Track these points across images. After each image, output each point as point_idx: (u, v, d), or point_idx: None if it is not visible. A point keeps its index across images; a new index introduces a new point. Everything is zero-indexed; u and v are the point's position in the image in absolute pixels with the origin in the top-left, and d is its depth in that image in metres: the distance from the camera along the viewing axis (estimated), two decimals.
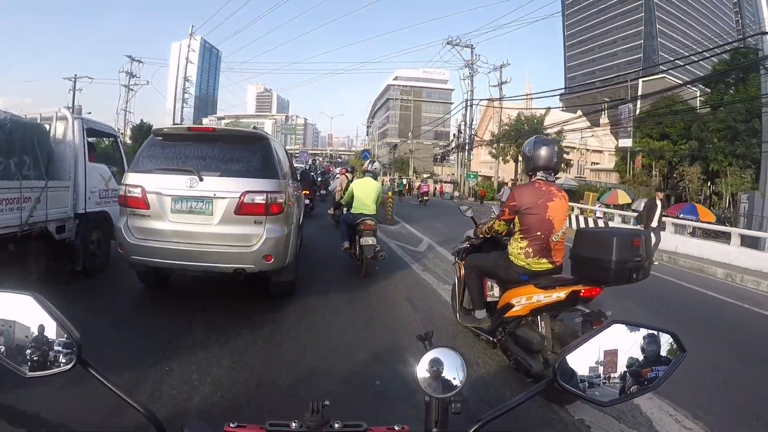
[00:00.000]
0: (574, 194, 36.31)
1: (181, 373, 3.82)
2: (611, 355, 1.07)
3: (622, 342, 1.08)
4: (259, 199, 5.10)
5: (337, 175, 19.02)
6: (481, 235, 4.75)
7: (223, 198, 5.08)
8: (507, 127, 46.21)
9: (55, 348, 1.06)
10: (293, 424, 1.12)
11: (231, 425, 1.12)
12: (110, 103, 52.88)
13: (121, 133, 39.32)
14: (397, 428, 1.19)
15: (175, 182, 5.11)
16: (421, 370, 1.19)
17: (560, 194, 4.04)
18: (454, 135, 47.81)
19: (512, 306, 3.94)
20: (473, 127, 44.96)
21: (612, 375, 1.07)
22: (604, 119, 50.48)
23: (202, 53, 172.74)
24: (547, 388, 1.16)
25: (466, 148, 47.76)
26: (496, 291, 4.59)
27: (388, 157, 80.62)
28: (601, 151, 57.80)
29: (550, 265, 3.96)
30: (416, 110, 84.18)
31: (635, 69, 69.35)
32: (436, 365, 1.20)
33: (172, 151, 5.39)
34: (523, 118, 46.02)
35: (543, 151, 4.02)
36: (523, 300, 3.85)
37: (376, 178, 8.86)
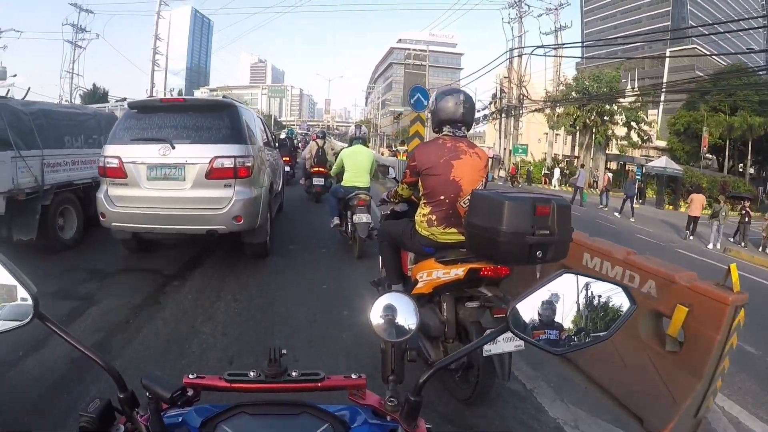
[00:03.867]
0: (674, 182, 32.19)
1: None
2: (563, 305, 1.12)
3: (574, 292, 1.13)
4: (228, 163, 5.69)
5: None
6: (390, 199, 4.46)
7: (195, 164, 5.66)
8: (564, 88, 39.59)
9: (11, 303, 1.07)
10: (251, 374, 1.20)
11: (190, 376, 1.19)
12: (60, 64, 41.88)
13: (65, 101, 34.22)
14: (354, 376, 1.27)
15: (149, 151, 5.70)
16: (375, 316, 1.28)
17: (471, 151, 3.60)
18: (493, 96, 37.24)
19: (417, 282, 3.60)
20: (523, 83, 34.54)
21: (563, 324, 1.12)
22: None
23: (192, 24, 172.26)
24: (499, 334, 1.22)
25: (513, 113, 36.52)
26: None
27: (391, 128, 79.92)
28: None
29: (460, 237, 3.44)
30: (422, 78, 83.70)
31: (662, 38, 67.04)
32: (389, 311, 1.28)
33: (146, 122, 5.98)
34: (587, 79, 39.34)
35: (447, 102, 3.60)
36: (425, 276, 3.50)
37: (366, 145, 8.35)
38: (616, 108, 38.30)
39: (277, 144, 10.42)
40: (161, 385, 1.06)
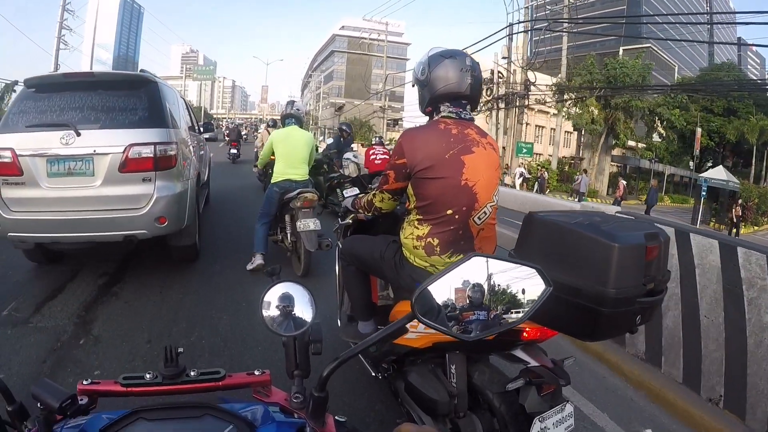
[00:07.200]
0: (724, 196, 28.73)
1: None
2: (474, 289, 1.10)
3: (485, 276, 1.10)
4: (147, 152, 4.91)
5: (260, 130, 21.96)
6: (360, 210, 3.18)
7: (105, 154, 4.85)
8: (586, 75, 33.95)
9: None
10: (147, 376, 1.17)
11: (84, 382, 1.17)
12: None
13: None
14: (257, 373, 1.27)
15: (49, 140, 4.84)
16: (268, 308, 1.25)
17: (484, 141, 2.60)
18: (488, 81, 27.85)
19: (404, 330, 2.35)
20: (522, 63, 27.42)
21: (475, 309, 1.10)
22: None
23: (122, 10, 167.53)
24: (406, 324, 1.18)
25: (517, 101, 28.72)
26: (392, 291, 3.36)
27: (332, 121, 79.11)
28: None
29: None
30: (365, 66, 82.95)
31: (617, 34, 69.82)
32: (283, 302, 1.25)
33: (46, 104, 5.09)
34: (611, 63, 34.20)
35: (447, 69, 2.53)
36: (421, 327, 2.16)
37: (302, 126, 6.55)
38: (640, 103, 34.04)
39: (227, 132, 10.73)
40: (51, 394, 1.02)
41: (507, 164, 29.41)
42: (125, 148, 4.86)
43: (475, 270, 1.09)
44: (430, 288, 1.08)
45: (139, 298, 4.99)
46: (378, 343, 2.62)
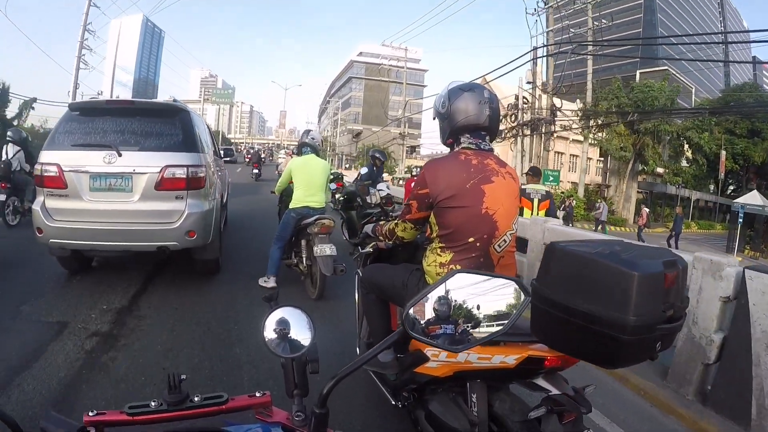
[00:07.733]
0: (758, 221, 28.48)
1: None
2: (458, 304, 1.19)
3: (467, 289, 1.19)
4: (180, 173, 5.49)
5: (282, 156, 22.93)
6: (381, 238, 3.27)
7: (143, 173, 5.43)
8: (612, 99, 33.92)
9: None
10: (152, 404, 1.21)
11: (90, 414, 1.18)
12: None
13: None
14: (258, 394, 1.33)
15: (92, 159, 5.43)
16: (268, 331, 1.34)
17: (503, 171, 2.73)
18: (512, 107, 27.85)
19: (425, 358, 2.45)
20: (549, 87, 26.70)
21: (460, 322, 1.19)
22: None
23: (143, 33, 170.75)
24: (398, 339, 1.26)
25: (543, 128, 27.81)
26: None
27: (350, 148, 79.71)
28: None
29: None
30: (383, 93, 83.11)
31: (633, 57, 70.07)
32: (282, 325, 1.35)
33: (89, 126, 5.70)
34: (638, 87, 34.26)
35: (466, 101, 2.70)
36: (443, 355, 2.35)
37: (318, 154, 6.81)
38: (669, 127, 34.13)
39: (248, 156, 11.29)
40: (60, 428, 1.07)
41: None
42: (161, 169, 5.45)
43: (459, 285, 1.19)
44: (418, 305, 1.17)
45: (135, 378, 3.87)
46: (398, 371, 2.98)
